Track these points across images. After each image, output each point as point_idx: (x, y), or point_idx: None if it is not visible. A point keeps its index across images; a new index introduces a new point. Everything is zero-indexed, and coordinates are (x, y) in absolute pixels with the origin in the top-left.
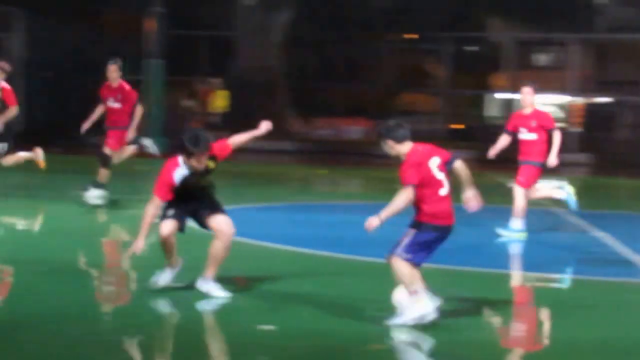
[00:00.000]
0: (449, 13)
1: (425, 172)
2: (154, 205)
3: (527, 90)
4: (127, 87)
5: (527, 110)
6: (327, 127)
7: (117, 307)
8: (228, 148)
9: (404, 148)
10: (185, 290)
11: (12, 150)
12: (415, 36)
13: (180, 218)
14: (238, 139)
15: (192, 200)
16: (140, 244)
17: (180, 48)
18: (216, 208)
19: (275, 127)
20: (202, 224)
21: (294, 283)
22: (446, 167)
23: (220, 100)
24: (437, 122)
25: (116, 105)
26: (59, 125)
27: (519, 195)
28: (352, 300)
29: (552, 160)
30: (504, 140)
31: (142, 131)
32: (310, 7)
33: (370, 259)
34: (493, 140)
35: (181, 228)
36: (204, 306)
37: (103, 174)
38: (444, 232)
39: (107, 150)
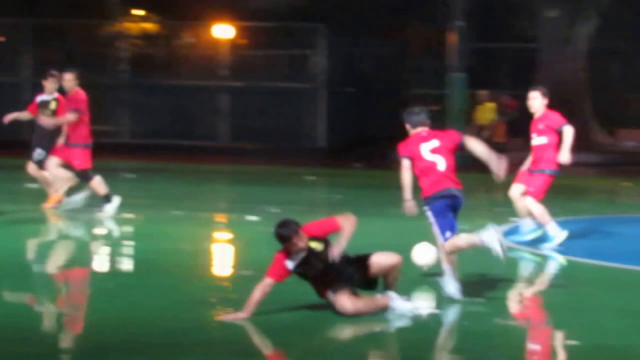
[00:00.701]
0: None
1: (414, 151)
2: (263, 285)
3: (533, 95)
4: (80, 96)
5: (538, 114)
6: (632, 138)
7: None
8: (334, 226)
9: (414, 131)
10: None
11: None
12: None
13: (349, 286)
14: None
15: (340, 273)
16: (238, 316)
17: (482, 61)
18: (363, 256)
19: (580, 138)
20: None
21: (597, 297)
22: (458, 148)
23: (487, 113)
24: None
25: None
26: (361, 140)
27: (534, 206)
28: None
29: (564, 156)
30: None
31: None
32: (615, 16)
33: None
34: None
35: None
36: (492, 319)
37: (96, 187)
38: (447, 197)
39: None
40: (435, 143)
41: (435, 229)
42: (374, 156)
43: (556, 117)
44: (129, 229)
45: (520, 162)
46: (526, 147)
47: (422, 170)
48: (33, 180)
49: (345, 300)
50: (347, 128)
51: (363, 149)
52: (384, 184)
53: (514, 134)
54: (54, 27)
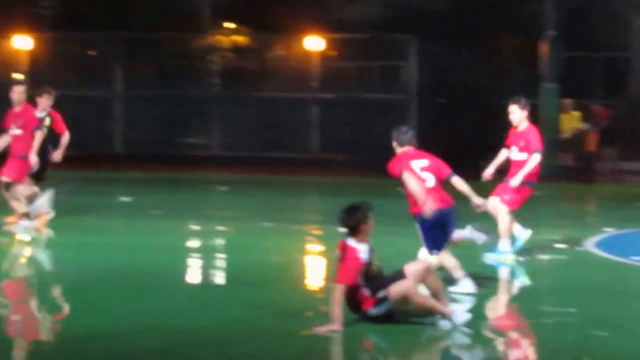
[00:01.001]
0: None
1: (407, 168)
2: (340, 291)
3: (512, 109)
4: (31, 112)
5: (520, 128)
6: None
7: None
8: None
9: (401, 150)
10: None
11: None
12: None
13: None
14: None
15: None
16: (331, 328)
17: (574, 70)
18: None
19: None
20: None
21: None
22: (443, 179)
23: (572, 121)
24: None
25: (17, 131)
26: (452, 150)
27: (503, 215)
28: None
29: (514, 180)
30: (501, 156)
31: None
32: None
33: None
34: None
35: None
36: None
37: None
38: (435, 216)
39: (3, 178)
40: (425, 162)
41: (424, 242)
42: (466, 166)
43: (534, 139)
44: (220, 241)
45: (611, 171)
46: (619, 157)
47: None
48: (126, 193)
49: (403, 281)
50: (439, 138)
51: (455, 159)
52: (476, 194)
53: (605, 143)
54: (145, 41)
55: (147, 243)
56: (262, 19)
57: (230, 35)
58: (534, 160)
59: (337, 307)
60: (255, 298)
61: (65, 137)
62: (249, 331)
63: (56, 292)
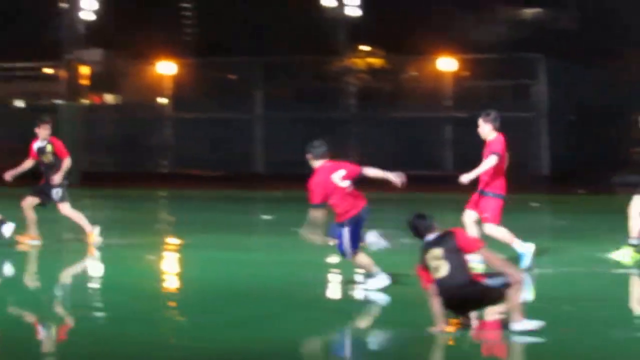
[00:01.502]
0: None
1: (329, 185)
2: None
3: (479, 122)
4: None
5: (487, 139)
6: None
7: None
8: None
9: (317, 163)
10: None
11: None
12: None
13: None
14: None
15: None
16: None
17: None
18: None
19: None
20: None
21: None
22: (358, 178)
23: None
24: None
25: None
26: (583, 166)
27: (496, 232)
28: None
29: (465, 177)
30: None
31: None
32: None
33: None
34: None
35: None
36: None
37: None
38: (357, 219)
39: None
40: (342, 172)
41: (346, 242)
42: (597, 182)
43: (494, 145)
44: None
45: None
46: None
47: (340, 197)
48: (267, 212)
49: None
50: (569, 154)
51: (586, 175)
52: (608, 209)
53: None
54: (284, 65)
55: (288, 259)
56: (395, 42)
57: (366, 57)
58: (490, 161)
59: (437, 310)
60: (389, 310)
61: (66, 162)
62: (385, 340)
63: (201, 304)
